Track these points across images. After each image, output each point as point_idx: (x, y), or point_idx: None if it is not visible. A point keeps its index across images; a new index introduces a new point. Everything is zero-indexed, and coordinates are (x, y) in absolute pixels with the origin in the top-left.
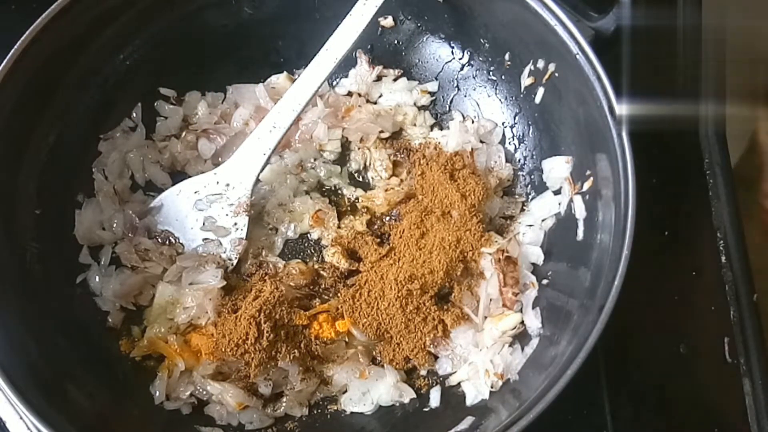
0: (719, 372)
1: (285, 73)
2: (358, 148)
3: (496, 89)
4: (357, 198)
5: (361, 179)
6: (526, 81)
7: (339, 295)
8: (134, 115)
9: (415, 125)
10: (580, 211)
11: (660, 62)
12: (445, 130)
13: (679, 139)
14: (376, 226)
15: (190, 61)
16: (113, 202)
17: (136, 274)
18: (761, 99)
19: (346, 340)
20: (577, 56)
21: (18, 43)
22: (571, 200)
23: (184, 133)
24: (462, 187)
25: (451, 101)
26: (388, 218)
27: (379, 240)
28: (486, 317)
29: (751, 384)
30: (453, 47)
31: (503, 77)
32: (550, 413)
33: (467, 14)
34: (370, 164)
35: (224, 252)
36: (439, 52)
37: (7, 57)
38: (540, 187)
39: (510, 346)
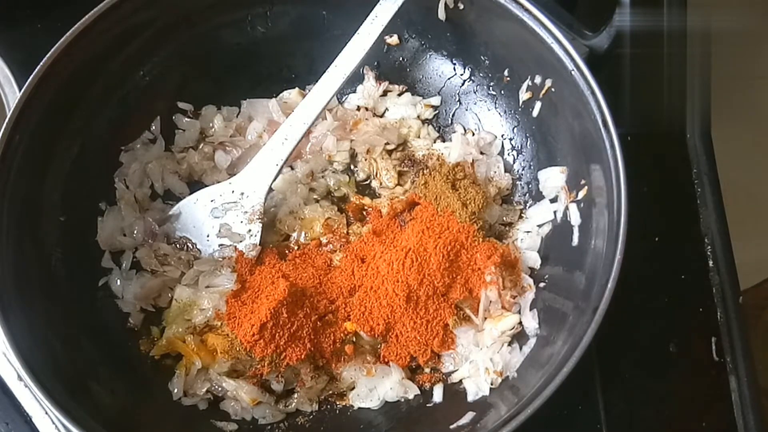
0: (707, 370)
1: (296, 88)
2: (365, 159)
3: (495, 103)
4: (364, 206)
5: (368, 188)
6: (524, 96)
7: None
8: (153, 127)
9: (419, 137)
10: (575, 218)
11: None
12: (447, 142)
13: (669, 150)
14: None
15: (207, 76)
16: (134, 210)
17: (155, 278)
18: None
19: (354, 340)
20: (573, 72)
21: (44, 60)
22: (566, 208)
23: (201, 145)
24: (463, 196)
25: (453, 115)
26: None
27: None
28: (486, 318)
29: (736, 381)
30: (455, 64)
31: (502, 92)
32: (547, 409)
33: (468, 33)
34: (376, 174)
35: None
36: (442, 69)
37: (34, 72)
38: (537, 196)
39: (509, 345)
